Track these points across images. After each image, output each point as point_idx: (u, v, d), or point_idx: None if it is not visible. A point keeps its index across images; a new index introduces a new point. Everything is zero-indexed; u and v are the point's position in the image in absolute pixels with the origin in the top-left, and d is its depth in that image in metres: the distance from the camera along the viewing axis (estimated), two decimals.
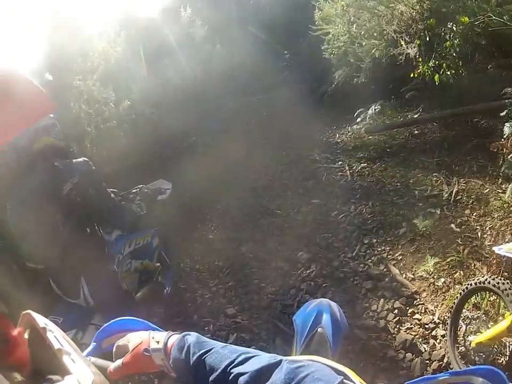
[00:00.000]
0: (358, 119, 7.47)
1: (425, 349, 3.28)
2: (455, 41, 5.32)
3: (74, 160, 2.98)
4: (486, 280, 2.79)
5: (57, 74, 5.48)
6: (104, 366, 1.18)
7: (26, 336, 0.86)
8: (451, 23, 5.25)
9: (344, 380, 0.93)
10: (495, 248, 2.79)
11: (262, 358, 1.00)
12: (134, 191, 3.88)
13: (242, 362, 1.00)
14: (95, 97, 5.97)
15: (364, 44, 6.89)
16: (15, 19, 5.00)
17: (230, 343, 3.07)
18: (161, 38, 7.93)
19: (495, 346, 2.86)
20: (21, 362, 0.82)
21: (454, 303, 3.08)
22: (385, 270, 4.24)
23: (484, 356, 2.85)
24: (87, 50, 6.29)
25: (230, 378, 0.99)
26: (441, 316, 3.49)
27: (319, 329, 1.96)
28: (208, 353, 1.06)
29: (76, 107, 5.64)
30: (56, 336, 0.82)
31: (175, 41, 8.34)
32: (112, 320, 1.32)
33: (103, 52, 6.57)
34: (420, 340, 3.37)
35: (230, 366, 1.01)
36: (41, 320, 0.86)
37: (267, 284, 4.48)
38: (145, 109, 7.08)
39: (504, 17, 4.54)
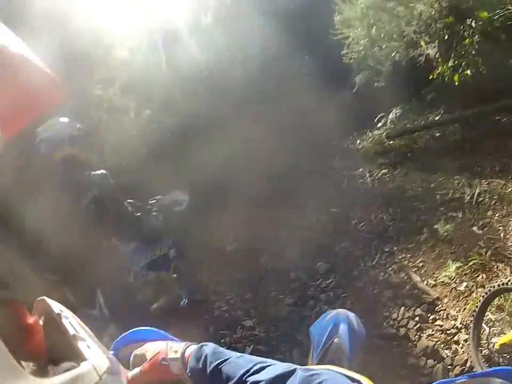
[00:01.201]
0: (379, 124, 7.36)
1: (447, 354, 3.21)
2: (475, 38, 5.18)
3: (93, 173, 3.11)
4: (509, 281, 2.72)
5: (79, 83, 5.51)
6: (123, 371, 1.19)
7: (41, 322, 0.85)
8: (470, 20, 5.12)
9: None
10: None
11: (277, 367, 1.01)
12: (151, 202, 3.90)
13: (257, 371, 1.02)
14: (115, 106, 5.99)
15: (383, 46, 6.79)
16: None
17: None
18: (182, 45, 7.93)
19: None
20: (37, 350, 0.82)
21: (477, 306, 2.98)
22: (406, 277, 4.15)
23: (508, 357, 2.78)
24: (108, 59, 6.35)
25: None
26: (463, 321, 3.40)
27: (335, 340, 1.94)
28: (225, 362, 1.08)
29: (96, 116, 5.69)
30: (71, 322, 0.81)
31: (196, 49, 8.35)
32: (130, 330, 1.34)
33: (125, 61, 6.59)
34: (442, 345, 3.29)
35: (246, 375, 1.02)
36: (56, 307, 0.85)
37: (285, 295, 4.42)
38: (165, 118, 7.05)
39: None
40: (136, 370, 1.18)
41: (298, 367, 0.99)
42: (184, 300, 4.17)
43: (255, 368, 1.03)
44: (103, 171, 3.16)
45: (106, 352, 0.79)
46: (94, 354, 0.75)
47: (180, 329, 3.97)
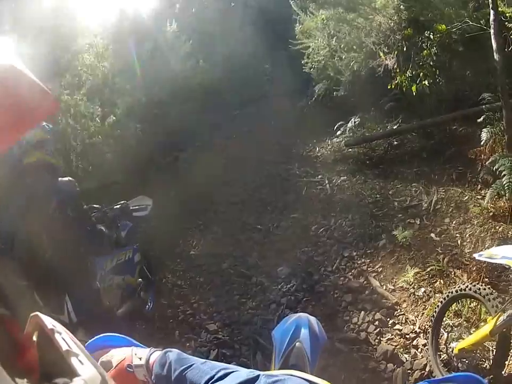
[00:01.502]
0: (338, 132, 7.43)
1: (406, 358, 3.25)
2: (432, 49, 5.35)
3: (60, 179, 3.03)
4: (467, 287, 2.81)
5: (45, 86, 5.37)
6: None
7: (34, 338, 0.84)
8: (428, 32, 5.28)
9: None
10: (476, 255, 2.80)
11: (240, 374, 1.01)
12: (116, 207, 3.85)
13: (221, 378, 1.02)
14: (82, 112, 5.89)
15: (343, 57, 6.90)
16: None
17: (211, 359, 2.97)
18: (147, 52, 7.87)
19: (478, 351, 2.84)
20: (30, 366, 0.81)
21: (435, 311, 3.06)
22: (365, 282, 4.21)
23: (467, 362, 2.82)
24: (75, 64, 6.25)
25: None
26: (422, 326, 3.46)
27: (297, 344, 1.93)
28: (189, 369, 1.09)
29: (63, 122, 5.58)
30: (64, 337, 0.80)
31: (160, 56, 8.30)
32: (96, 337, 1.33)
33: (91, 66, 6.51)
34: (401, 350, 3.34)
35: (210, 382, 1.03)
36: (48, 322, 0.83)
37: (248, 299, 4.45)
38: (130, 124, 7.01)
39: (481, 22, 4.56)
40: None
41: (262, 373, 0.99)
42: (149, 304, 4.26)
43: (219, 374, 1.03)
44: (70, 178, 3.11)
45: (98, 367, 0.78)
46: (87, 370, 0.75)
47: (146, 333, 3.95)
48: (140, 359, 1.17)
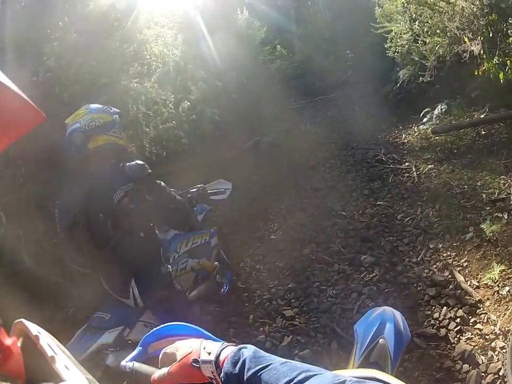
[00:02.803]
0: (424, 119, 7.30)
1: (482, 360, 3.19)
2: None
3: (127, 164, 2.94)
4: None
5: (113, 77, 5.67)
6: (148, 372, 1.15)
7: (19, 344, 0.84)
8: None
9: None
10: None
11: (324, 377, 0.91)
12: (193, 190, 3.85)
13: (302, 382, 0.92)
14: (153, 98, 6.13)
15: (427, 41, 6.71)
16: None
17: (284, 345, 3.14)
18: (220, 39, 8.06)
19: None
20: (15, 372, 0.80)
21: None
22: (449, 276, 4.13)
23: None
24: (143, 53, 6.48)
25: None
26: (502, 327, 3.37)
27: (380, 340, 1.90)
28: (265, 369, 0.97)
29: (133, 109, 5.76)
30: (49, 343, 0.81)
31: (234, 42, 8.45)
32: (162, 325, 1.25)
33: (160, 55, 6.77)
34: (479, 351, 3.27)
35: None
36: (34, 328, 0.85)
37: (328, 286, 4.45)
38: (206, 109, 7.19)
39: None
40: (164, 370, 1.08)
41: (348, 378, 0.89)
42: (225, 288, 4.18)
43: (299, 378, 0.92)
44: (138, 161, 2.98)
45: (85, 373, 0.79)
46: (73, 376, 0.74)
47: (219, 315, 4.09)
48: (209, 353, 1.05)
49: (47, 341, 0.82)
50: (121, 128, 3.11)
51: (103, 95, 4.89)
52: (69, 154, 2.95)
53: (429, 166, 6.38)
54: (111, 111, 3.09)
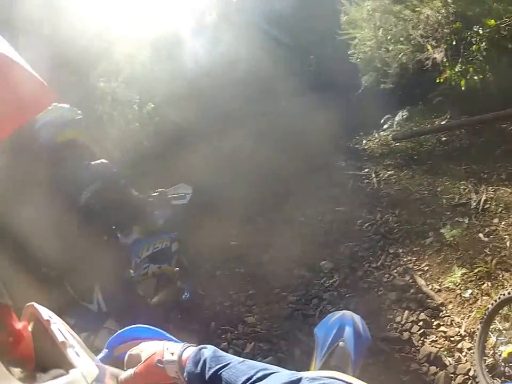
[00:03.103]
0: (385, 126, 7.40)
1: (450, 362, 3.21)
2: (482, 45, 5.21)
3: (93, 163, 2.98)
4: None
5: (81, 75, 5.52)
6: (114, 374, 1.14)
7: (30, 329, 0.85)
8: (477, 27, 5.15)
9: None
10: None
11: (281, 375, 0.95)
12: (154, 194, 3.80)
13: (260, 379, 0.95)
14: (119, 99, 6.00)
15: (390, 48, 6.80)
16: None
17: (247, 352, 3.02)
18: (185, 42, 7.95)
19: None
20: (25, 356, 0.81)
21: (485, 313, 2.98)
22: (410, 280, 4.14)
23: None
24: (112, 52, 6.32)
25: None
26: (467, 329, 3.40)
27: (340, 343, 1.91)
28: (225, 368, 1.02)
29: (99, 109, 5.68)
30: (60, 328, 0.81)
31: (200, 45, 8.37)
32: (126, 328, 1.29)
33: (129, 55, 6.61)
34: (445, 353, 3.29)
35: (248, 383, 0.96)
36: (45, 313, 0.85)
37: (289, 292, 4.41)
38: (168, 111, 7.07)
39: None
40: (130, 371, 1.12)
41: (304, 375, 0.93)
42: (186, 294, 4.12)
43: (258, 375, 0.96)
44: (103, 160, 3.06)
45: (95, 359, 0.81)
46: (83, 362, 0.75)
47: (180, 323, 3.89)
48: (172, 354, 1.10)
49: (58, 326, 0.82)
50: (86, 129, 3.22)
51: (70, 93, 4.71)
52: (37, 147, 2.92)
53: (389, 172, 6.42)
54: (78, 111, 3.13)
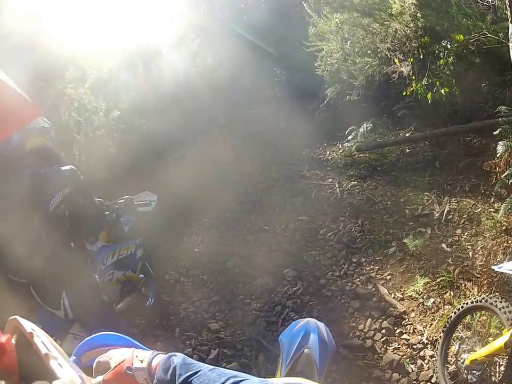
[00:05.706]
0: (349, 137, 7.45)
1: (412, 369, 3.24)
2: (449, 59, 5.33)
3: (63, 169, 2.99)
4: (483, 298, 2.79)
5: (49, 81, 5.41)
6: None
7: (13, 341, 0.85)
8: (445, 41, 5.27)
9: None
10: (495, 267, 2.78)
11: (251, 383, 0.97)
12: (120, 201, 3.85)
13: None
14: (85, 105, 5.91)
15: (357, 61, 6.90)
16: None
17: (211, 358, 2.96)
18: (153, 50, 7.87)
19: (486, 365, 2.80)
20: (8, 369, 0.82)
21: (448, 321, 3.03)
22: (373, 289, 4.18)
23: (477, 374, 2.80)
24: (80, 59, 6.24)
25: None
26: (430, 337, 3.44)
27: (305, 350, 1.91)
28: (195, 375, 1.03)
29: (65, 115, 5.58)
30: (43, 341, 0.82)
31: (167, 53, 8.31)
32: (94, 335, 1.29)
33: (96, 61, 6.51)
34: (408, 360, 3.31)
35: None
36: (28, 326, 0.85)
37: (252, 300, 4.40)
38: (134, 119, 7.00)
39: (500, 35, 4.53)
40: (99, 379, 1.12)
41: (273, 382, 1.01)
42: (150, 300, 4.10)
43: (228, 383, 0.98)
44: (72, 166, 3.07)
45: (78, 370, 0.80)
46: (66, 373, 0.76)
47: (145, 329, 3.92)
48: (142, 361, 1.12)
49: (41, 339, 0.83)
50: (52, 134, 3.21)
51: (37, 99, 4.60)
52: (5, 153, 2.93)
53: (352, 182, 6.47)
54: (46, 120, 3.18)
